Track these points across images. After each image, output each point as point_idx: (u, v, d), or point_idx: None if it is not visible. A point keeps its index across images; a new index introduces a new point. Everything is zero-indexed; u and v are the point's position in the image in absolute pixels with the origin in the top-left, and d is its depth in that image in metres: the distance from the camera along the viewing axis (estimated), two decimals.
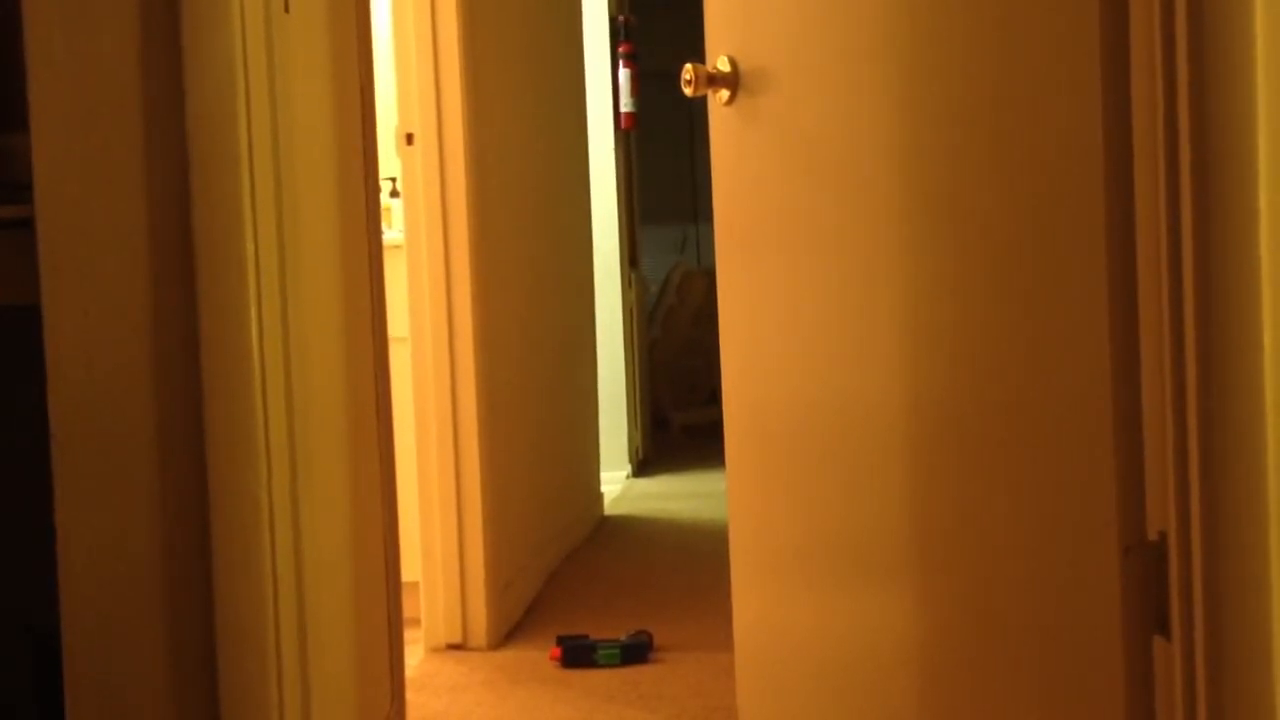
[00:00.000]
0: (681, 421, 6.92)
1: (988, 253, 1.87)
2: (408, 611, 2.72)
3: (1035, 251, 1.78)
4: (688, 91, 2.33)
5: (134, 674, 1.76)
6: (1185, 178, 1.40)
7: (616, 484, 5.65)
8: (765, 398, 2.36)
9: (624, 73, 5.70)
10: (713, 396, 6.78)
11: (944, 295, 1.95)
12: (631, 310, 5.98)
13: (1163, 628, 1.51)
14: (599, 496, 5.08)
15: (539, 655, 3.23)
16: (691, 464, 6.13)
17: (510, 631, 3.47)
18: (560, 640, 3.21)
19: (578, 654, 3.14)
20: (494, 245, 3.52)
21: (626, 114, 5.73)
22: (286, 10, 1.88)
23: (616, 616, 3.51)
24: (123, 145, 1.74)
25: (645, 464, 6.14)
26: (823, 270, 2.19)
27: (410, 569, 3.07)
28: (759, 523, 2.41)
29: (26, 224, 1.76)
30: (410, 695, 2.81)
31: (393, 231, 3.50)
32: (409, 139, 3.31)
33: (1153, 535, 1.54)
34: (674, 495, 5.47)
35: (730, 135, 2.36)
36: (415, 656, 3.24)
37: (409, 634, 2.85)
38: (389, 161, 3.29)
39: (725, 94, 2.32)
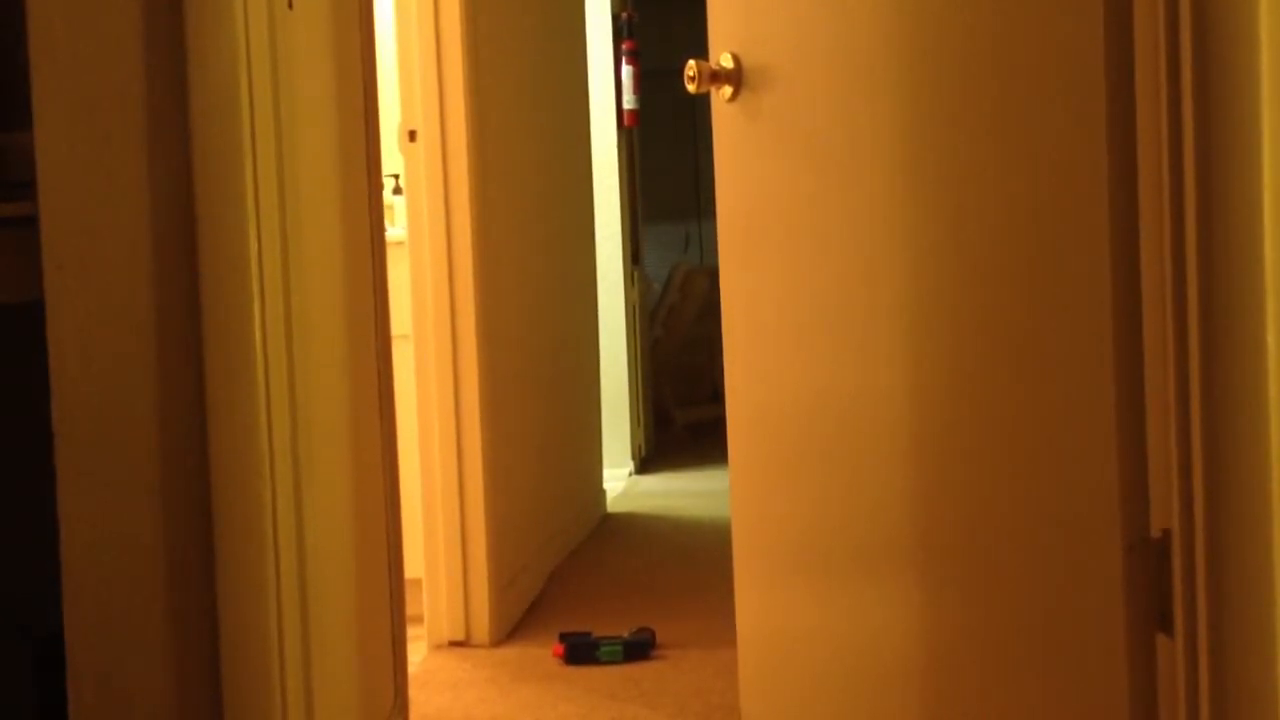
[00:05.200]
0: (684, 419, 6.92)
1: (990, 249, 1.87)
2: (411, 608, 2.72)
3: (1038, 247, 1.78)
4: (691, 88, 2.33)
5: (137, 671, 1.77)
6: (1190, 177, 1.40)
7: (619, 481, 5.65)
8: (768, 395, 2.36)
9: (627, 70, 5.69)
10: (715, 394, 6.78)
11: (947, 292, 1.95)
12: (634, 308, 5.98)
13: (1165, 625, 1.51)
14: (601, 494, 5.08)
15: (541, 652, 3.23)
16: (694, 461, 6.13)
17: (513, 628, 3.47)
18: (563, 637, 3.21)
19: (580, 651, 3.14)
20: (497, 242, 3.52)
21: (629, 111, 5.73)
22: (290, 7, 1.88)
23: (619, 613, 3.51)
24: (126, 142, 1.74)
25: (648, 461, 6.14)
26: (826, 268, 2.19)
27: (413, 566, 3.07)
28: (762, 520, 2.41)
29: (30, 221, 1.76)
30: (413, 692, 2.81)
31: (395, 228, 3.50)
32: (412, 136, 3.31)
33: (1156, 533, 1.54)
34: (676, 493, 5.47)
35: (733, 132, 2.36)
36: (418, 653, 3.24)
37: (412, 631, 2.85)
38: (392, 158, 3.29)
39: (728, 91, 2.32)
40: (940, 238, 1.96)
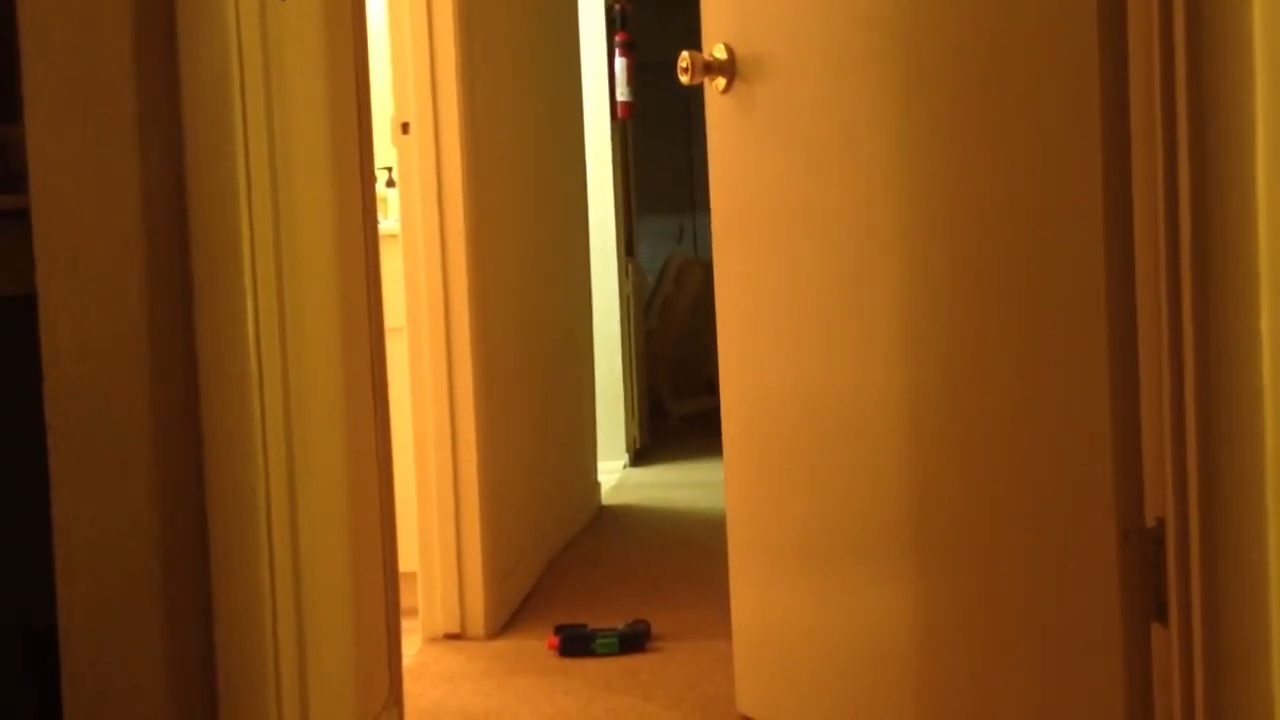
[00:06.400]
0: (679, 411, 6.92)
1: (986, 241, 1.87)
2: (405, 601, 2.72)
3: (1034, 239, 1.78)
4: (684, 80, 2.32)
5: (131, 664, 1.76)
6: (1183, 164, 1.40)
7: (614, 473, 5.65)
8: (763, 387, 2.36)
9: (620, 62, 5.69)
10: (710, 386, 6.78)
11: (943, 284, 1.95)
12: (629, 300, 5.98)
13: (1161, 614, 1.51)
14: (596, 486, 5.08)
15: (537, 644, 3.23)
16: (689, 453, 6.13)
17: (508, 621, 3.47)
18: (558, 629, 3.21)
19: (575, 643, 3.14)
20: (490, 235, 3.52)
21: (623, 103, 5.73)
22: None
23: (614, 606, 3.51)
24: (118, 135, 1.74)
25: (642, 453, 6.14)
26: (821, 259, 2.19)
27: (408, 559, 3.07)
28: (757, 512, 2.41)
29: (22, 214, 1.76)
30: (408, 685, 2.81)
31: (389, 221, 3.50)
32: (405, 128, 3.30)
33: (1151, 522, 1.55)
34: (671, 484, 5.47)
35: (727, 123, 2.36)
36: (413, 646, 3.24)
37: (406, 624, 2.85)
38: (385, 151, 3.29)
39: (722, 82, 2.32)
40: (937, 229, 1.96)
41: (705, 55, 2.32)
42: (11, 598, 1.96)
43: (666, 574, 3.95)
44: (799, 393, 2.27)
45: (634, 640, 3.16)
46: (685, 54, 2.31)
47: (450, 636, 3.34)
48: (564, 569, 4.04)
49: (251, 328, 1.75)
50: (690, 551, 4.23)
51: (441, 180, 3.30)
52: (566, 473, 4.59)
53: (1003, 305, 1.84)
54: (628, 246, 6.05)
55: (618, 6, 5.76)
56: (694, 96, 2.48)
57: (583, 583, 3.88)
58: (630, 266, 6.07)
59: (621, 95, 5.71)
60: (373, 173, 2.48)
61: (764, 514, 2.39)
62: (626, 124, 5.97)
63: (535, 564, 3.91)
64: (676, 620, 3.35)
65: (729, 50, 2.30)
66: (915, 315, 2.00)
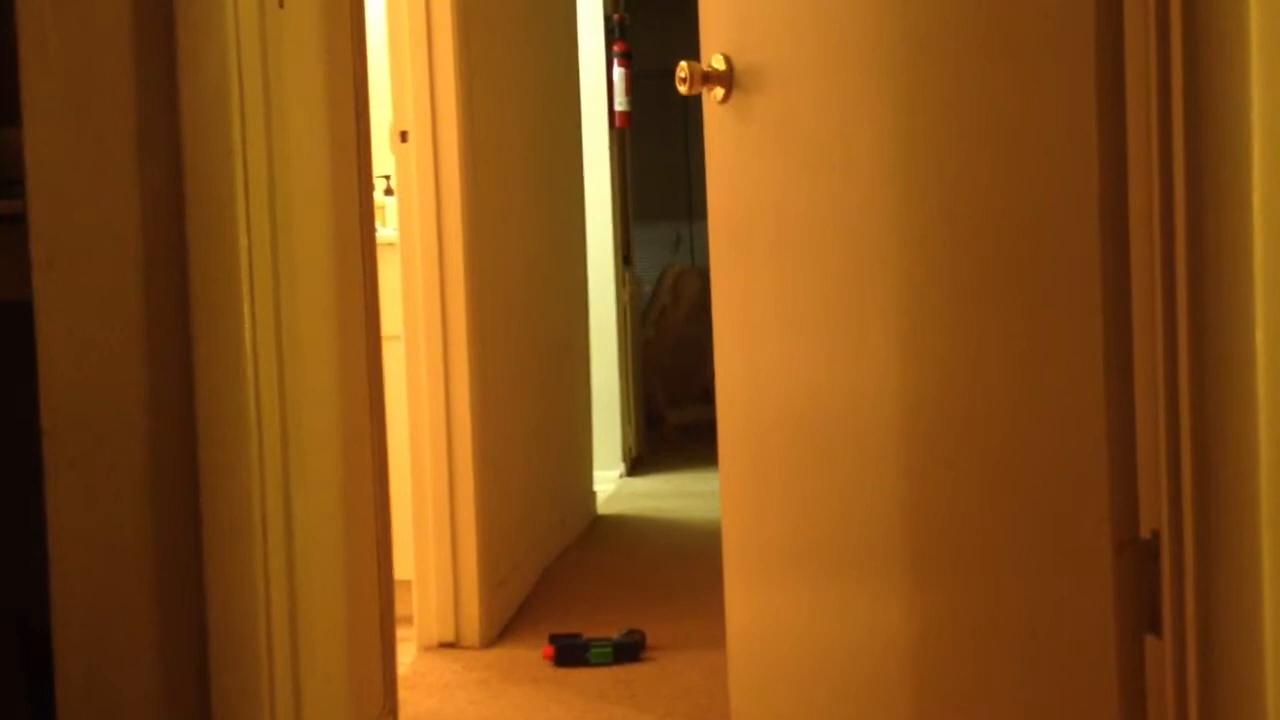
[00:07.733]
0: (675, 420, 6.92)
1: (983, 251, 1.87)
2: (400, 610, 2.72)
3: (1030, 249, 1.78)
4: (682, 90, 2.33)
5: (124, 666, 1.76)
6: (1179, 178, 1.40)
7: (610, 483, 5.65)
8: (759, 397, 2.36)
9: (619, 71, 5.70)
10: (706, 395, 6.78)
11: (939, 294, 1.95)
12: (625, 309, 5.98)
13: (1155, 626, 1.51)
14: (592, 495, 5.08)
15: (532, 654, 3.23)
16: (685, 463, 6.13)
17: (503, 630, 3.47)
18: (553, 639, 3.21)
19: (570, 653, 3.14)
20: (488, 243, 3.52)
21: (621, 112, 5.73)
22: (281, 6, 1.87)
23: (609, 615, 3.51)
24: (116, 141, 1.74)
25: (638, 463, 6.14)
26: (818, 269, 2.19)
27: (403, 567, 3.07)
28: (752, 522, 2.41)
29: (19, 219, 1.76)
30: (402, 694, 2.81)
31: (387, 229, 3.50)
32: (403, 136, 3.30)
33: (1145, 534, 1.55)
34: (667, 494, 5.47)
35: (725, 134, 2.36)
36: (408, 655, 3.24)
37: (401, 632, 2.84)
38: (383, 159, 3.29)
39: (720, 92, 2.32)
40: (934, 240, 1.96)
41: (703, 65, 2.33)
42: (10, 598, 1.95)
43: (662, 584, 3.95)
44: (796, 402, 2.27)
45: (629, 650, 3.15)
46: (684, 64, 2.31)
47: (445, 645, 3.34)
48: (559, 578, 4.04)
49: (248, 334, 1.75)
50: (685, 561, 4.23)
51: (440, 188, 3.30)
52: (562, 482, 4.59)
53: (999, 315, 1.84)
54: (625, 255, 6.05)
55: (616, 16, 5.77)
56: (691, 105, 2.48)
57: (578, 592, 3.88)
58: (627, 275, 6.08)
59: (619, 104, 5.72)
60: (371, 180, 2.48)
61: (759, 523, 2.39)
62: (624, 133, 5.98)
63: (530, 573, 3.91)
64: (671, 630, 3.34)
65: (727, 61, 2.30)
66: (912, 324, 2.01)
